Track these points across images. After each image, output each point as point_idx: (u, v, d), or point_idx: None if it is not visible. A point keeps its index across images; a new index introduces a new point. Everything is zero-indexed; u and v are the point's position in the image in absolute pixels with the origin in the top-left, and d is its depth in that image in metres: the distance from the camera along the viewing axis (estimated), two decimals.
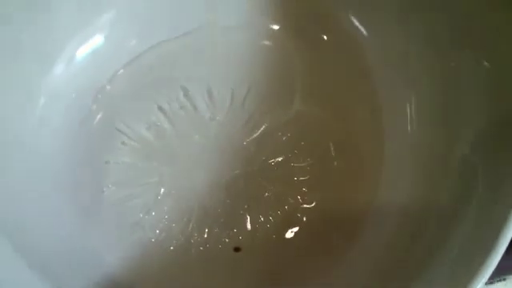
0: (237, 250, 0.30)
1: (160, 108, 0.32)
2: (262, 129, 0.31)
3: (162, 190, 0.31)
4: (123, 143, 0.31)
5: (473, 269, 0.20)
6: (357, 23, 0.31)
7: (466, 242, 0.23)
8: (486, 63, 0.25)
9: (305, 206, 0.30)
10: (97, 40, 0.31)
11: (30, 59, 0.29)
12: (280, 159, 0.31)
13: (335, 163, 0.31)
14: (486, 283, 0.33)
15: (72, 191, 0.30)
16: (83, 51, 0.31)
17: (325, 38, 0.32)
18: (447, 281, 0.22)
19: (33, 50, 0.29)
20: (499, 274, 0.33)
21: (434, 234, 0.25)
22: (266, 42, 0.32)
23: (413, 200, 0.28)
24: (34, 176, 0.29)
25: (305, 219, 0.30)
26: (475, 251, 0.21)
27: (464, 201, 0.24)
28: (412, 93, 0.29)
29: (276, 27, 0.32)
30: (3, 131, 0.28)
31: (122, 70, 0.32)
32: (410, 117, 0.30)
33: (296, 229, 0.30)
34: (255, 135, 0.31)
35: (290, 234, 0.30)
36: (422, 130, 0.29)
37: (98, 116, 0.31)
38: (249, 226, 0.30)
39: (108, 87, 0.32)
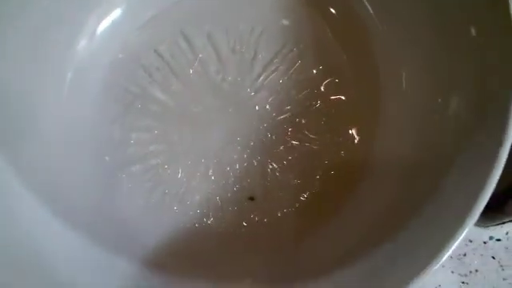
0: (251, 198, 0.32)
1: (172, 72, 0.34)
2: (268, 86, 0.34)
3: (180, 147, 0.33)
4: (143, 106, 0.34)
5: (464, 209, 0.23)
6: (366, 3, 0.33)
7: (456, 189, 0.25)
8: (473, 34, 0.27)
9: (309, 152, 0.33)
10: (115, 14, 0.34)
11: (55, 38, 0.32)
12: (288, 115, 0.34)
13: (334, 119, 0.33)
14: (496, 224, 0.36)
15: (99, 154, 0.33)
16: (103, 25, 0.34)
17: (333, 11, 0.34)
18: (438, 226, 0.24)
19: (56, 29, 0.32)
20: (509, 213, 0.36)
21: (426, 183, 0.27)
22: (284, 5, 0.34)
23: (408, 152, 0.30)
24: (68, 146, 0.32)
25: (309, 169, 0.33)
26: (466, 194, 0.23)
27: (454, 151, 0.26)
28: (408, 59, 0.32)
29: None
30: (37, 105, 0.31)
31: (132, 36, 0.34)
32: (405, 78, 0.32)
33: (299, 180, 0.33)
34: (262, 94, 0.34)
35: (294, 182, 0.33)
36: (416, 91, 0.31)
37: (117, 84, 0.34)
38: (261, 177, 0.33)
39: (120, 55, 0.34)
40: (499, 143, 0.23)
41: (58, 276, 0.27)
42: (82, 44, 0.33)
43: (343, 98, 0.33)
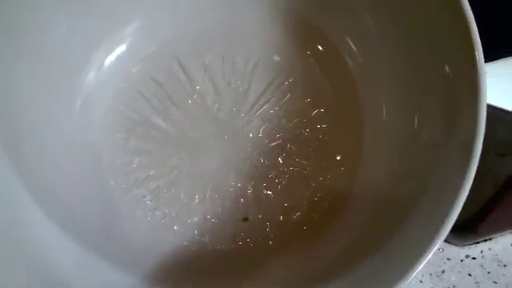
0: (245, 219, 0.35)
1: (172, 101, 0.37)
2: (261, 116, 0.37)
3: (180, 171, 0.36)
4: (144, 133, 0.37)
5: (435, 229, 0.26)
6: (350, 43, 0.36)
7: (428, 210, 0.28)
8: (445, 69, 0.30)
9: (299, 177, 0.36)
10: (120, 48, 0.37)
11: (67, 69, 0.35)
12: (279, 142, 0.37)
13: (321, 145, 0.36)
14: (471, 244, 0.39)
15: (104, 178, 0.36)
16: (109, 59, 0.37)
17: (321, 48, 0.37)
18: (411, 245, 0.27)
19: (68, 61, 0.35)
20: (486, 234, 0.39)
21: (403, 207, 0.30)
22: (276, 41, 0.38)
23: (387, 178, 0.33)
24: (76, 169, 0.34)
25: (299, 192, 0.36)
26: (437, 215, 0.26)
27: (427, 176, 0.29)
28: (387, 90, 0.35)
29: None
30: (49, 130, 0.34)
31: (135, 69, 0.37)
32: (384, 108, 0.35)
33: (290, 202, 0.36)
34: (256, 122, 0.37)
35: (285, 204, 0.36)
36: (394, 120, 0.34)
37: (120, 112, 0.37)
38: (254, 200, 0.36)
39: (123, 85, 0.37)
40: (465, 169, 0.26)
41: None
42: (91, 75, 0.36)
43: (329, 126, 0.36)
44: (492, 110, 0.30)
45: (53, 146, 0.34)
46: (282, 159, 0.36)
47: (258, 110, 0.37)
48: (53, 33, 0.34)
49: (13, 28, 0.31)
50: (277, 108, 0.37)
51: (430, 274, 0.38)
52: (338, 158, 0.36)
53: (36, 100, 0.33)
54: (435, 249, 0.26)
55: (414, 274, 0.26)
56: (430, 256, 0.26)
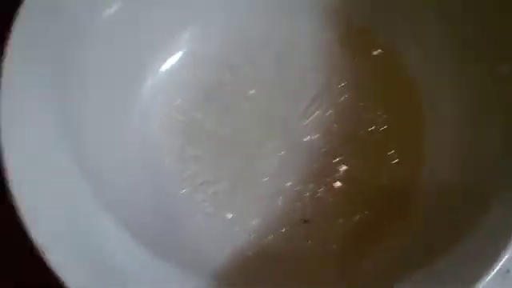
0: (305, 221, 0.36)
1: (226, 107, 0.38)
2: (315, 119, 0.37)
3: (236, 176, 0.37)
4: (199, 138, 0.37)
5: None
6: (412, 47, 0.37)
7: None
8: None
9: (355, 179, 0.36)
10: (177, 55, 0.38)
11: (129, 77, 0.36)
12: (334, 144, 0.37)
13: (378, 148, 0.37)
14: None
15: (164, 184, 0.36)
16: (166, 66, 0.38)
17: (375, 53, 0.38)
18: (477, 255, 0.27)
19: (130, 68, 0.36)
20: None
21: (474, 207, 0.30)
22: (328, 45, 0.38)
23: (454, 177, 0.33)
24: (138, 176, 0.35)
25: (358, 194, 0.36)
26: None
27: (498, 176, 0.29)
28: (447, 89, 0.35)
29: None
30: (114, 137, 0.35)
31: (190, 75, 0.38)
32: (445, 107, 0.35)
33: (349, 205, 0.36)
34: (310, 125, 0.37)
35: (345, 207, 0.36)
36: (455, 119, 0.35)
37: (175, 119, 0.37)
38: (313, 202, 0.36)
39: (178, 91, 0.38)
40: None
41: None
42: (148, 83, 0.37)
43: (387, 128, 0.37)
44: None
45: (115, 155, 0.35)
46: (339, 161, 0.36)
47: (312, 114, 0.37)
48: (112, 42, 0.34)
49: (76, 44, 0.32)
50: (331, 111, 0.37)
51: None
52: (396, 159, 0.36)
53: (99, 111, 0.34)
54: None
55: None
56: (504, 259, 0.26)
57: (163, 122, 0.37)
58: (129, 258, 0.31)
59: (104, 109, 0.35)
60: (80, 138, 0.33)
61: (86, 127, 0.33)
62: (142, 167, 0.36)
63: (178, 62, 0.38)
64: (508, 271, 0.36)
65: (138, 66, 0.37)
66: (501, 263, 0.25)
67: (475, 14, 0.32)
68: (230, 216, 0.36)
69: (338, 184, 0.36)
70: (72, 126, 0.32)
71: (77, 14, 0.32)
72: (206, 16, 0.38)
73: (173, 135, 0.37)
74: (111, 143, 0.35)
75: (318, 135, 0.37)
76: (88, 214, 0.31)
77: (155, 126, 0.37)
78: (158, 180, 0.36)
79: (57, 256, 0.26)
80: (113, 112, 0.35)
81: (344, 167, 0.36)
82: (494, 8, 0.31)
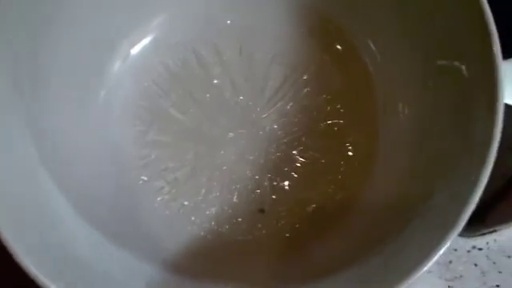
0: (262, 211, 0.36)
1: (191, 95, 0.38)
2: (277, 110, 0.38)
3: (197, 164, 0.37)
4: (163, 126, 0.38)
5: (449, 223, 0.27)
6: (371, 45, 0.37)
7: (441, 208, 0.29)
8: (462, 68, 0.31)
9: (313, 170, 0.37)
10: (145, 40, 0.38)
11: (94, 59, 0.36)
12: (295, 136, 0.38)
13: (336, 139, 0.37)
14: (478, 235, 0.40)
15: (124, 169, 0.37)
16: (135, 50, 0.38)
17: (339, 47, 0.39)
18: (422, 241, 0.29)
19: (95, 51, 0.36)
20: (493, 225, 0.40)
21: (414, 206, 0.31)
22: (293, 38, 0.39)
23: (401, 176, 0.34)
24: (97, 160, 0.36)
25: (314, 184, 0.37)
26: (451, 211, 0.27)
27: (440, 178, 0.31)
28: (403, 90, 0.36)
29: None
30: (74, 118, 0.35)
31: (157, 62, 0.38)
32: (400, 107, 0.36)
33: (305, 194, 0.37)
34: (272, 116, 0.38)
35: (301, 196, 0.37)
36: (408, 118, 0.35)
37: (141, 105, 0.38)
38: (270, 192, 0.37)
39: (145, 79, 0.38)
40: (481, 167, 0.27)
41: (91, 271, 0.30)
42: (116, 66, 0.37)
43: (344, 122, 0.38)
44: (507, 107, 0.31)
45: (75, 135, 0.35)
46: (298, 152, 0.37)
47: (274, 105, 0.38)
48: (80, 23, 0.35)
49: (41, 20, 0.32)
50: (292, 103, 0.38)
51: (438, 264, 0.39)
52: (352, 153, 0.37)
53: (62, 89, 0.34)
54: (450, 241, 0.27)
55: (429, 266, 0.27)
56: (444, 249, 0.27)
57: (127, 108, 0.38)
58: (87, 245, 0.32)
59: (67, 94, 0.35)
60: (41, 122, 0.33)
61: (48, 112, 0.34)
62: (103, 153, 0.36)
63: (144, 48, 0.38)
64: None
65: (104, 51, 0.37)
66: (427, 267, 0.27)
67: (426, 14, 0.32)
68: (188, 204, 0.36)
69: (295, 175, 0.37)
70: (33, 111, 0.33)
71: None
72: (175, 3, 0.38)
73: (135, 121, 0.37)
74: (73, 129, 0.35)
75: (279, 126, 0.38)
76: (46, 200, 0.31)
77: (119, 112, 0.37)
78: (119, 165, 0.37)
79: (19, 246, 0.26)
80: (76, 97, 0.36)
81: (302, 159, 0.37)
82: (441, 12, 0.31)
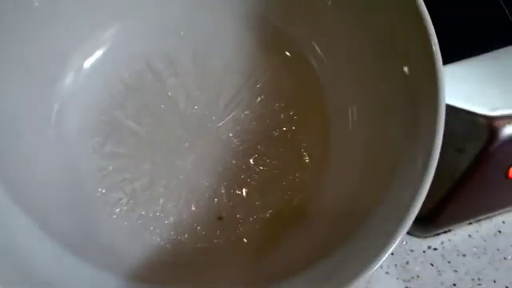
0: (220, 218, 0.37)
1: (146, 107, 0.38)
2: (232, 118, 0.38)
3: (155, 174, 0.37)
4: (119, 137, 0.38)
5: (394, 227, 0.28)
6: (317, 49, 0.38)
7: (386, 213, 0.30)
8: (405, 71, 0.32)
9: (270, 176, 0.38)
10: (98, 53, 0.38)
11: (46, 72, 0.36)
12: (250, 144, 0.38)
13: (291, 146, 0.38)
14: (432, 235, 0.41)
15: (81, 181, 0.37)
16: (88, 63, 0.38)
17: (289, 54, 0.39)
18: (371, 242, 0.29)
19: (46, 64, 0.36)
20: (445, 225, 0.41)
21: (365, 205, 0.32)
22: (245, 47, 0.39)
23: (353, 178, 0.35)
24: (53, 172, 0.36)
25: (270, 190, 0.38)
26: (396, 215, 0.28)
27: (390, 179, 0.31)
28: (351, 94, 0.37)
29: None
30: (26, 132, 0.35)
31: (111, 74, 0.38)
32: (350, 112, 0.37)
33: (262, 201, 0.37)
34: (227, 125, 0.38)
35: (258, 203, 0.37)
36: (360, 122, 0.36)
37: (96, 118, 0.38)
38: (228, 199, 0.37)
39: (100, 90, 0.38)
40: (426, 167, 0.28)
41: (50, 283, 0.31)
42: (68, 79, 0.37)
43: (298, 128, 0.38)
44: (451, 109, 0.33)
45: (29, 148, 0.35)
46: (253, 160, 0.38)
47: (229, 114, 0.38)
48: (30, 36, 0.35)
49: None
50: (247, 111, 0.38)
51: (396, 265, 0.40)
52: (306, 158, 0.38)
53: (13, 103, 0.34)
54: (399, 240, 0.27)
55: (379, 265, 0.27)
56: (394, 247, 0.27)
57: (83, 120, 0.38)
58: (46, 257, 0.32)
59: (21, 104, 0.35)
60: None
61: (2, 122, 0.34)
62: (59, 167, 0.36)
63: (98, 60, 0.38)
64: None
65: (57, 63, 0.37)
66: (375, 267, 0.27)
67: (368, 18, 0.34)
68: (146, 214, 0.36)
69: (252, 182, 0.37)
70: None
71: None
72: (129, 13, 0.38)
73: (92, 133, 0.38)
74: (27, 142, 0.35)
75: (234, 134, 0.38)
76: (2, 212, 0.31)
77: (75, 124, 0.37)
78: (76, 179, 0.37)
79: None
80: (31, 108, 0.35)
81: (258, 166, 0.38)
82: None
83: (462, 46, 0.38)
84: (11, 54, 0.34)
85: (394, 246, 0.27)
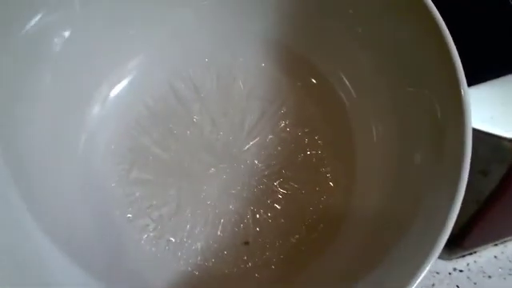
0: (246, 243, 0.37)
1: (171, 132, 0.39)
2: (256, 143, 0.39)
3: (181, 200, 0.38)
4: (145, 164, 0.38)
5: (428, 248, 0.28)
6: (343, 77, 0.39)
7: (421, 232, 0.30)
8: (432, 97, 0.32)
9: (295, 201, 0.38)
10: (123, 83, 0.39)
11: (74, 104, 0.37)
12: (275, 169, 0.39)
13: (315, 170, 0.39)
14: (458, 257, 0.41)
15: (109, 209, 0.37)
16: (114, 92, 0.39)
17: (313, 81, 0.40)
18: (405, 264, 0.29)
19: (74, 96, 0.37)
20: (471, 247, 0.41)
21: (396, 228, 0.32)
22: (268, 73, 0.40)
23: (380, 201, 0.35)
24: (81, 201, 0.36)
25: (296, 215, 0.38)
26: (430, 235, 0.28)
27: (418, 199, 0.32)
28: (377, 117, 0.37)
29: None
30: (54, 163, 0.36)
31: (136, 101, 0.39)
32: (375, 134, 0.37)
33: (288, 226, 0.37)
34: (252, 150, 0.39)
35: (284, 228, 0.38)
36: (386, 145, 0.37)
37: (123, 145, 0.39)
38: (253, 224, 0.37)
39: (126, 119, 0.39)
40: (455, 191, 0.28)
41: None
42: (95, 110, 0.38)
43: (322, 152, 0.39)
44: (475, 132, 0.33)
45: (60, 179, 0.36)
46: (279, 184, 0.38)
47: (253, 139, 0.39)
48: (59, 72, 0.36)
49: (19, 71, 0.34)
50: (271, 136, 0.39)
51: None
52: (331, 182, 0.38)
53: (43, 137, 0.35)
54: (429, 266, 0.28)
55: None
56: (424, 273, 0.28)
57: (109, 148, 0.38)
58: (74, 285, 0.32)
59: (49, 137, 0.36)
60: (24, 166, 0.34)
61: (31, 156, 0.34)
62: (87, 195, 0.37)
63: (124, 89, 0.39)
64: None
65: (84, 94, 0.38)
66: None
67: (393, 45, 0.34)
68: (173, 240, 0.37)
69: (277, 206, 0.38)
70: (16, 154, 0.33)
71: (28, 42, 0.34)
72: (151, 44, 0.39)
73: (118, 160, 0.38)
74: (56, 172, 0.36)
75: (259, 159, 0.39)
76: (33, 247, 0.32)
77: (101, 153, 0.38)
78: (103, 206, 0.37)
79: None
80: (58, 140, 0.36)
81: (283, 190, 0.38)
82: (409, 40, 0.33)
83: (485, 67, 0.38)
84: (39, 90, 0.35)
85: (425, 272, 0.28)
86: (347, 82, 0.38)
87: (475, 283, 0.41)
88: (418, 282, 0.27)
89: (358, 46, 0.37)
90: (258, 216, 0.38)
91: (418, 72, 0.33)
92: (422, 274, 0.28)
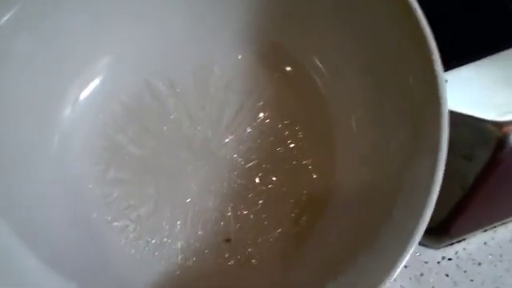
0: (228, 240, 0.36)
1: (147, 130, 0.38)
2: (235, 138, 0.38)
3: (159, 199, 0.37)
4: (121, 163, 0.37)
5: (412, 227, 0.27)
6: (316, 61, 0.38)
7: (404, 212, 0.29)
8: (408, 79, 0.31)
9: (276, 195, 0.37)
10: (94, 83, 0.38)
11: (43, 106, 0.36)
12: (255, 162, 0.38)
13: (296, 162, 0.38)
14: (446, 245, 0.40)
15: (86, 210, 0.36)
16: (87, 91, 0.38)
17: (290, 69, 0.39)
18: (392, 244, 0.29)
19: (44, 99, 0.36)
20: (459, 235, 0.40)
21: (381, 208, 0.31)
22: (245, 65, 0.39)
23: (360, 188, 0.35)
24: (56, 202, 0.35)
25: (278, 209, 0.37)
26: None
27: (399, 178, 0.31)
28: (354, 104, 0.36)
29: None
30: (29, 165, 0.35)
31: (110, 100, 0.38)
32: (354, 121, 0.36)
33: (270, 220, 0.37)
34: (231, 144, 0.38)
35: (266, 222, 0.37)
36: (363, 131, 0.36)
37: (97, 145, 0.37)
38: (235, 221, 0.36)
39: (99, 118, 0.38)
40: (434, 172, 0.27)
41: None
42: (67, 111, 0.37)
43: (302, 143, 0.38)
44: (458, 115, 0.32)
45: (33, 181, 0.35)
46: (259, 179, 0.37)
47: (232, 133, 0.38)
48: (26, 71, 0.34)
49: None
50: (250, 130, 0.38)
51: (410, 278, 0.40)
52: (313, 174, 0.37)
53: (12, 139, 0.34)
54: (412, 250, 0.27)
55: (393, 278, 0.27)
56: (407, 258, 0.27)
57: (84, 148, 0.37)
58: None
59: (19, 138, 0.34)
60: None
61: (2, 160, 0.33)
62: (63, 197, 0.36)
63: (97, 87, 0.38)
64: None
65: (55, 94, 0.37)
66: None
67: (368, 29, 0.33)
68: (153, 240, 0.36)
69: (258, 201, 0.37)
70: None
71: None
72: (125, 40, 0.38)
73: (94, 161, 0.37)
74: (29, 176, 0.35)
75: (239, 154, 0.38)
76: (8, 251, 0.31)
77: (76, 153, 0.37)
78: (81, 208, 0.36)
79: None
80: (29, 141, 0.35)
81: (264, 184, 0.37)
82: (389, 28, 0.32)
83: (466, 48, 0.37)
84: (7, 95, 0.34)
85: (406, 259, 0.27)
86: (322, 69, 0.38)
87: (465, 271, 0.40)
88: (405, 260, 0.27)
89: (331, 30, 0.36)
90: (238, 212, 0.37)
91: (394, 55, 0.32)
92: (408, 254, 0.27)
